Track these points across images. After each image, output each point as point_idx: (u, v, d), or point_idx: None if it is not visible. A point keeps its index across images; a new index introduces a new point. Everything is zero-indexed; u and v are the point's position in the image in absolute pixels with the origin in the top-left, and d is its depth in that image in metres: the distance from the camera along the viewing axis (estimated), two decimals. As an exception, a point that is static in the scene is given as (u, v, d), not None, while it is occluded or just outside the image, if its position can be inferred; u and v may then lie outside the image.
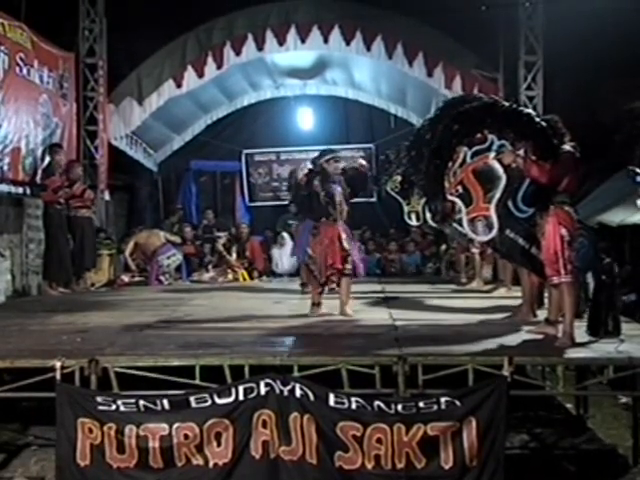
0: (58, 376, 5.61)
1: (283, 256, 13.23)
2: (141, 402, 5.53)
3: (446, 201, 7.25)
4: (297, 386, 5.51)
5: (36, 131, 11.34)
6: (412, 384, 5.69)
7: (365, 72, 15.44)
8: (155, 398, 5.56)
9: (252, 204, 17.10)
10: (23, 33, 10.82)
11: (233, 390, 5.55)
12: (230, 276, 12.95)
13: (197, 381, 5.78)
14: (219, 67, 13.90)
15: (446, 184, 7.14)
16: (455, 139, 7.03)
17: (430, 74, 13.55)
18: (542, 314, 7.26)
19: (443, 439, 5.42)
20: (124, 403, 5.53)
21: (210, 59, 13.79)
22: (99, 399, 5.54)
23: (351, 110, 17.29)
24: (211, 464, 5.54)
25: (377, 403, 5.44)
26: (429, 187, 7.43)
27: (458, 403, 5.43)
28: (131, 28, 13.44)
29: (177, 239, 12.96)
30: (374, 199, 16.65)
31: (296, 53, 14.27)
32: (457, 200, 7.09)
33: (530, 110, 7.86)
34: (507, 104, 7.24)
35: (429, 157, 7.19)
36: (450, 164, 7.10)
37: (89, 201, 11.06)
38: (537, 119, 6.85)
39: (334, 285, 8.22)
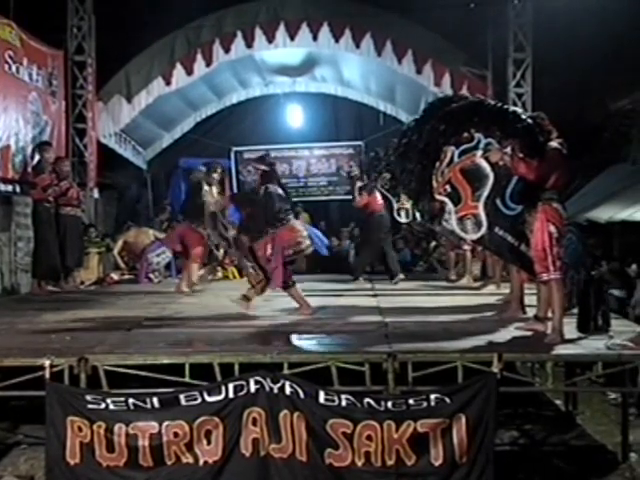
0: (47, 375, 5.60)
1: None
2: (130, 400, 5.52)
3: (434, 201, 7.26)
4: (287, 384, 5.51)
5: (26, 129, 11.32)
6: (402, 381, 5.70)
7: (354, 69, 15.46)
8: (145, 396, 5.55)
9: (241, 201, 17.04)
10: (12, 31, 10.80)
11: (223, 388, 5.55)
12: (220, 274, 12.92)
13: (187, 379, 5.78)
14: (208, 65, 13.90)
15: (434, 184, 7.15)
16: (442, 139, 7.05)
17: (419, 71, 13.59)
18: (531, 311, 7.28)
19: (433, 436, 5.43)
20: (113, 402, 5.52)
21: (199, 57, 13.79)
22: (88, 398, 5.53)
23: (340, 107, 17.36)
24: (201, 462, 5.54)
25: (367, 400, 5.45)
26: (417, 187, 7.44)
27: (448, 400, 5.44)
28: (120, 26, 13.42)
29: (166, 237, 12.93)
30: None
31: (285, 50, 14.29)
32: (446, 199, 7.10)
33: (516, 108, 7.89)
34: (493, 102, 7.27)
35: (417, 158, 7.21)
36: (438, 164, 7.12)
37: (73, 199, 10.90)
38: (523, 117, 6.88)
39: None
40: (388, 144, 11.15)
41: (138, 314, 8.14)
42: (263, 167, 8.19)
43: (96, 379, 5.74)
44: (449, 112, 7.07)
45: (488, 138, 6.92)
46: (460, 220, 7.07)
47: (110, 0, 13.26)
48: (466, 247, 10.65)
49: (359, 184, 11.79)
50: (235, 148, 17.16)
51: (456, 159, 7.04)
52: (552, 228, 6.20)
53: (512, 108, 7.39)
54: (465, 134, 7.01)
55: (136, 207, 16.94)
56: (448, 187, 7.07)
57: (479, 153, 6.93)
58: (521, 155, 6.39)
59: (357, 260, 12.11)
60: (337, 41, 13.61)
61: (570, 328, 6.45)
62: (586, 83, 13.74)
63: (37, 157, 10.99)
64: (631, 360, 5.85)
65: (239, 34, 13.69)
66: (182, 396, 5.55)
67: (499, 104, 7.20)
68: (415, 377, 5.75)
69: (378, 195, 11.63)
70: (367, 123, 17.27)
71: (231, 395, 5.54)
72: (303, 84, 16.68)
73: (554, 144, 6.41)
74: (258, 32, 13.66)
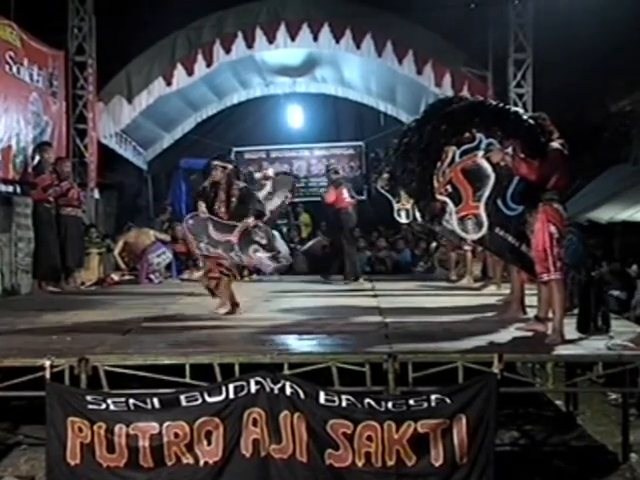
0: (48, 375, 5.60)
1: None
2: (131, 401, 5.52)
3: (435, 201, 7.25)
4: (287, 384, 5.51)
5: (26, 130, 11.34)
6: (402, 382, 5.69)
7: (355, 70, 15.47)
8: (145, 397, 5.55)
9: (242, 202, 17.03)
10: (12, 31, 10.81)
11: (223, 388, 5.55)
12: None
13: (187, 379, 5.78)
14: (209, 65, 13.91)
15: (435, 184, 7.14)
16: (443, 139, 7.03)
17: (420, 72, 13.59)
18: (531, 311, 7.27)
19: (433, 436, 5.43)
20: (114, 402, 5.52)
21: (200, 57, 13.80)
22: (89, 398, 5.53)
23: (341, 108, 17.37)
24: (201, 463, 5.54)
25: (367, 401, 5.45)
26: (418, 187, 7.43)
27: (448, 400, 5.44)
28: (120, 26, 13.42)
29: (167, 237, 12.90)
30: (364, 197, 16.69)
31: (286, 51, 14.30)
32: (447, 199, 7.09)
33: (517, 108, 7.87)
34: (494, 103, 7.26)
35: (417, 158, 7.19)
36: (439, 164, 7.10)
37: (74, 200, 10.88)
38: (524, 117, 6.85)
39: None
40: (388, 144, 11.15)
41: (138, 315, 8.13)
42: (231, 165, 8.21)
43: (96, 379, 5.74)
44: (450, 112, 7.05)
45: (489, 138, 6.90)
46: (461, 220, 7.05)
47: (110, 0, 13.26)
48: (467, 247, 10.63)
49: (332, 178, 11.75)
50: (236, 149, 17.15)
51: (457, 159, 7.02)
52: (553, 229, 6.19)
53: (513, 108, 7.36)
54: (466, 134, 6.99)
55: (136, 201, 16.93)
56: (449, 187, 7.05)
57: (480, 153, 6.91)
58: (522, 155, 6.37)
59: (345, 262, 11.86)
60: (338, 42, 13.62)
61: (570, 329, 6.44)
62: (586, 83, 13.72)
63: (37, 157, 10.99)
64: (631, 360, 5.85)
65: (240, 34, 13.70)
66: (182, 397, 5.55)
67: (500, 104, 7.17)
68: (415, 377, 5.74)
69: (345, 192, 11.58)
70: (368, 123, 17.29)
71: (231, 396, 5.54)
72: (304, 84, 16.69)
73: (555, 144, 6.40)
74: (259, 32, 13.66)
